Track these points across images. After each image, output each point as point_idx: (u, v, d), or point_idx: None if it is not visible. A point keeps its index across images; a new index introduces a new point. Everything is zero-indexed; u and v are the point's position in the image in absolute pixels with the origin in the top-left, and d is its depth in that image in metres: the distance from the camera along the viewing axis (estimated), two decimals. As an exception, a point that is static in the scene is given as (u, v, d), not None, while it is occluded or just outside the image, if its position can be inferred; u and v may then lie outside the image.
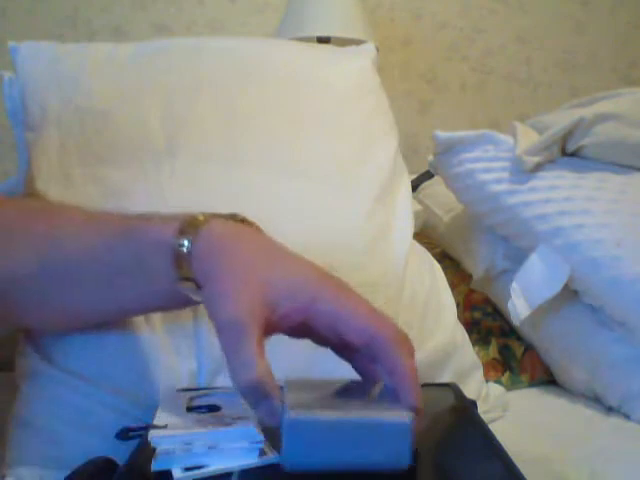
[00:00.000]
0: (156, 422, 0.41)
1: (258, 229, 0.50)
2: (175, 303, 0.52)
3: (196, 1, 1.85)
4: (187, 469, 0.38)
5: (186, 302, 0.49)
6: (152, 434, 0.39)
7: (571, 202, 0.83)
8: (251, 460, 0.39)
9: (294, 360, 0.60)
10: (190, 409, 0.44)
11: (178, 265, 0.45)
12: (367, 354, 0.41)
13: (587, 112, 0.88)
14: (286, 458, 0.37)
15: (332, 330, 0.41)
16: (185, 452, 0.39)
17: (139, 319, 0.59)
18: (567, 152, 0.91)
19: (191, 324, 0.60)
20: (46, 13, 1.75)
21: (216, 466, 0.38)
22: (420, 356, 0.67)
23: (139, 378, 0.58)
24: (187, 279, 0.46)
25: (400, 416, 0.37)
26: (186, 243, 0.45)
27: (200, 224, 0.46)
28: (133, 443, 0.47)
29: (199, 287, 0.45)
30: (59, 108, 0.70)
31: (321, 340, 0.45)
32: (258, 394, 0.39)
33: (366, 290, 0.66)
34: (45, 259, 0.51)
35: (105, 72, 0.74)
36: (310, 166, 0.72)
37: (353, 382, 0.45)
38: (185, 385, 0.58)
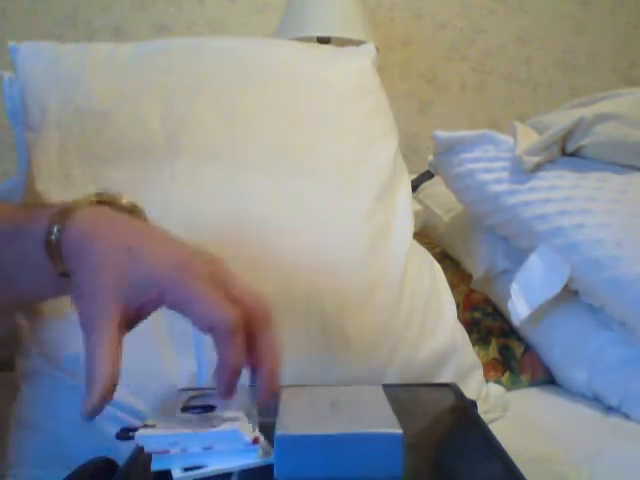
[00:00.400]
0: (147, 421, 0.41)
1: (134, 213, 0.50)
2: (58, 289, 0.51)
3: (196, 1, 1.85)
4: (186, 469, 0.38)
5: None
6: (138, 433, 0.39)
7: (571, 202, 0.83)
8: (250, 460, 0.39)
9: (292, 361, 0.60)
10: (185, 409, 0.44)
11: (51, 255, 0.45)
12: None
13: (587, 112, 0.88)
14: (279, 473, 0.37)
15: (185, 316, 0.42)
16: (183, 452, 0.39)
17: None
18: (567, 152, 0.91)
19: (191, 325, 0.60)
20: (46, 13, 1.75)
21: (214, 466, 0.39)
22: (420, 356, 0.67)
23: (139, 378, 0.58)
24: (62, 270, 0.45)
25: (391, 429, 0.37)
26: (55, 231, 0.44)
27: (68, 212, 0.45)
28: (133, 443, 0.47)
29: None
30: (59, 108, 0.70)
31: None
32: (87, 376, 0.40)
33: (366, 290, 0.67)
34: None
35: (105, 72, 0.74)
36: (310, 166, 0.72)
37: (346, 388, 0.45)
38: (186, 385, 0.58)
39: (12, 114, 0.74)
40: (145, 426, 0.40)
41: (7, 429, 0.59)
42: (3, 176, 1.48)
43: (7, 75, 0.75)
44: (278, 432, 0.36)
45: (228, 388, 0.40)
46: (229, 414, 0.42)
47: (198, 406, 0.44)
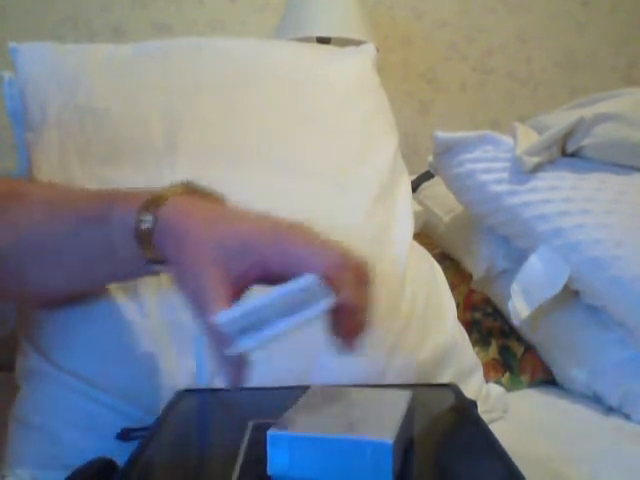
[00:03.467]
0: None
1: (217, 200, 0.51)
2: (147, 274, 0.54)
3: (196, 1, 1.85)
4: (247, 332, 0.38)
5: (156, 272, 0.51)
6: (219, 315, 0.39)
7: (571, 202, 0.83)
8: (312, 311, 0.38)
9: (294, 360, 0.60)
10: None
11: (143, 243, 0.46)
12: None
13: (587, 112, 0.88)
14: (272, 469, 0.37)
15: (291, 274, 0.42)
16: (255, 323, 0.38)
17: (139, 320, 0.59)
18: (567, 152, 0.91)
19: (191, 325, 0.60)
20: (46, 13, 1.74)
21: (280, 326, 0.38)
22: (420, 356, 0.67)
23: (139, 379, 0.58)
24: (153, 256, 0.47)
25: (382, 436, 0.36)
26: (149, 219, 0.46)
27: (161, 202, 0.47)
28: (133, 443, 0.47)
29: (164, 262, 0.47)
30: (59, 108, 0.70)
31: None
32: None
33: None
34: (20, 241, 0.53)
35: (105, 72, 0.74)
36: (310, 166, 0.72)
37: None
38: (186, 385, 0.58)
39: (12, 114, 0.74)
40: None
41: (7, 429, 0.59)
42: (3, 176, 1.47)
43: (7, 75, 0.75)
44: (271, 430, 0.37)
45: (356, 330, 0.41)
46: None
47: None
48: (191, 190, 0.50)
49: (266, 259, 0.42)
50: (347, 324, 0.41)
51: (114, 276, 0.56)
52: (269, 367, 0.56)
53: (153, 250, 0.46)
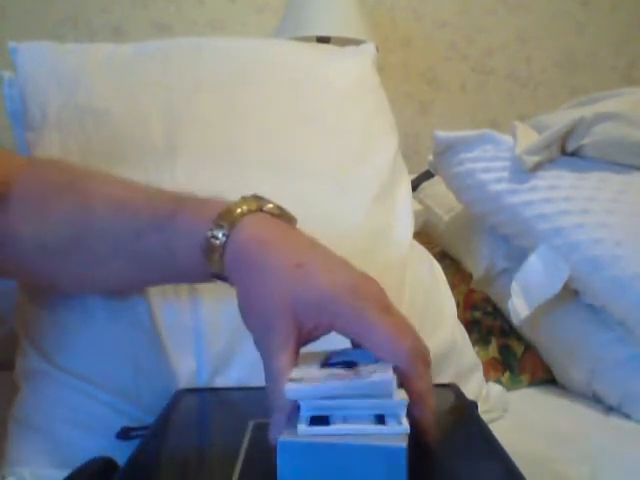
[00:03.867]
0: (292, 376, 0.39)
1: (291, 222, 0.50)
2: (201, 282, 0.53)
3: (196, 1, 1.85)
4: (313, 421, 0.37)
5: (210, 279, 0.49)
6: (288, 387, 0.37)
7: (571, 202, 0.83)
8: (376, 429, 0.37)
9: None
10: (325, 365, 0.42)
11: (209, 257, 0.45)
12: None
13: (587, 112, 0.88)
14: (282, 477, 0.36)
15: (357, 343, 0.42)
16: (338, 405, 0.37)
17: (140, 320, 0.59)
18: (567, 152, 0.91)
19: (191, 325, 0.60)
20: (46, 13, 1.75)
21: (338, 426, 0.36)
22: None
23: (139, 379, 0.58)
24: (219, 272, 0.46)
25: (395, 441, 0.36)
26: (220, 235, 0.45)
27: (236, 218, 0.45)
28: (133, 443, 0.47)
29: (227, 280, 0.46)
30: (59, 108, 0.70)
31: None
32: (276, 403, 0.39)
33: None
34: (76, 236, 0.52)
35: (105, 72, 0.74)
36: (310, 166, 0.72)
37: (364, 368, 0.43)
38: (186, 385, 0.58)
39: (12, 114, 0.74)
40: (291, 380, 0.38)
41: (7, 429, 0.59)
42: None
43: (7, 75, 0.75)
44: (281, 438, 0.36)
45: (428, 422, 0.40)
46: (377, 367, 0.40)
47: (339, 362, 0.42)
48: (263, 205, 0.48)
49: (336, 324, 0.41)
50: (421, 414, 0.40)
51: (167, 280, 0.56)
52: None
53: (219, 265, 0.45)
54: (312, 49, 0.92)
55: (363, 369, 0.39)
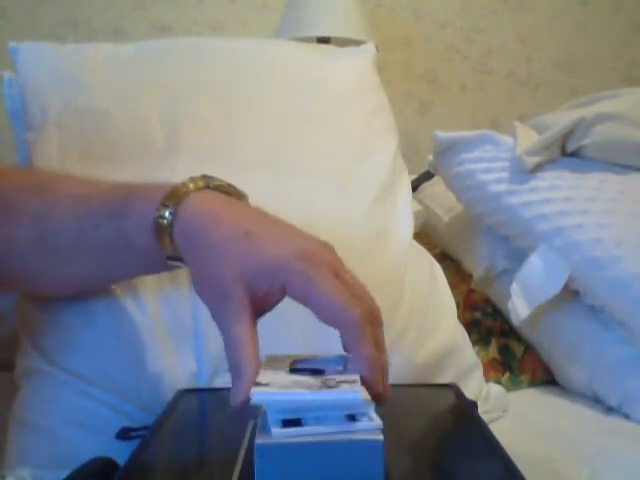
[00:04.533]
0: (259, 379, 0.39)
1: (242, 199, 0.50)
2: (166, 269, 0.53)
3: (196, 1, 1.85)
4: (285, 423, 0.36)
5: (176, 268, 0.50)
6: (254, 391, 0.37)
7: (571, 202, 0.83)
8: (350, 427, 0.36)
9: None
10: (293, 371, 0.42)
11: (160, 238, 0.46)
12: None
13: (587, 112, 0.88)
14: None
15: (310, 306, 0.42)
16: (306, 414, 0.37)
17: (140, 320, 0.59)
18: (567, 152, 0.91)
19: (191, 325, 0.60)
20: (46, 13, 1.75)
21: (313, 427, 0.36)
22: (420, 356, 0.67)
23: (139, 379, 0.58)
24: (172, 253, 0.46)
25: (372, 435, 0.36)
26: (167, 214, 0.45)
27: (181, 196, 0.46)
28: (133, 443, 0.47)
29: (184, 260, 0.46)
30: (59, 108, 0.70)
31: None
32: (235, 371, 0.40)
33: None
34: (41, 234, 0.53)
35: (105, 72, 0.74)
36: (310, 166, 0.72)
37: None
38: (186, 385, 0.58)
39: (12, 114, 0.74)
40: (257, 384, 0.38)
41: (7, 429, 0.59)
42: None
43: (7, 75, 0.75)
44: (257, 441, 0.35)
45: (379, 386, 0.40)
46: (343, 378, 0.40)
47: (306, 369, 0.42)
48: (213, 185, 0.49)
49: (287, 290, 0.41)
50: (370, 376, 0.40)
51: (132, 271, 0.56)
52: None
53: (172, 246, 0.46)
54: (312, 49, 0.91)
55: (330, 378, 0.39)
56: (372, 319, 0.42)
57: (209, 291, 0.43)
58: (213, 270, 0.43)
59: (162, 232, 0.46)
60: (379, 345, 0.42)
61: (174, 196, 0.46)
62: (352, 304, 0.40)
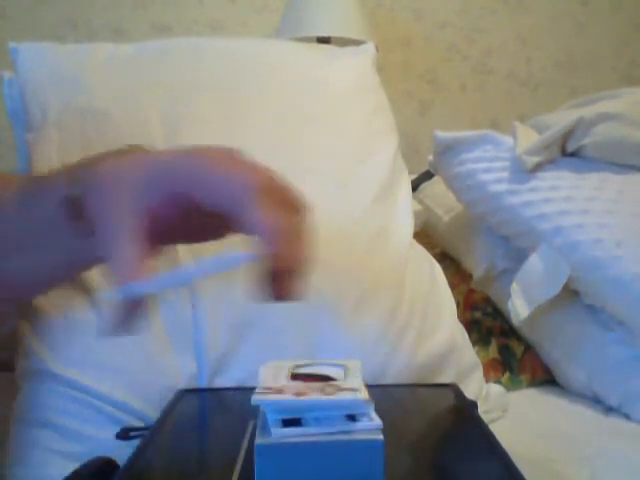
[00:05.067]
0: (262, 384, 0.39)
1: (140, 150, 0.46)
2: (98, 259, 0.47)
3: (196, 1, 1.85)
4: (285, 423, 0.36)
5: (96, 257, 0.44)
6: (255, 397, 0.37)
7: (571, 202, 0.83)
8: (350, 427, 0.36)
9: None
10: (295, 377, 0.41)
11: (72, 212, 0.42)
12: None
13: (587, 112, 0.88)
14: None
15: (201, 203, 0.38)
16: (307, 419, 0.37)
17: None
18: (567, 152, 0.91)
19: (191, 325, 0.60)
20: (46, 13, 1.75)
21: (313, 427, 0.36)
22: (420, 356, 0.67)
23: (139, 379, 0.58)
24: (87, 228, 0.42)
25: (372, 435, 0.36)
26: (75, 185, 0.42)
27: (89, 166, 0.43)
28: (133, 443, 0.47)
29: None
30: (59, 108, 0.70)
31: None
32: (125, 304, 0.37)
33: (366, 290, 0.67)
34: None
35: (105, 72, 0.74)
36: (310, 166, 0.72)
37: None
38: (186, 385, 0.58)
39: (12, 114, 0.74)
40: (257, 392, 0.38)
41: (7, 429, 0.59)
42: (3, 176, 1.47)
43: (7, 75, 0.75)
44: (257, 442, 0.35)
45: (294, 249, 0.36)
46: (345, 384, 0.39)
47: (308, 374, 0.42)
48: (131, 150, 0.45)
49: (185, 192, 0.38)
50: (277, 260, 0.35)
51: (58, 266, 0.48)
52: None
53: (85, 221, 0.41)
54: (312, 49, 0.92)
55: (332, 384, 0.39)
56: (271, 189, 0.38)
57: (99, 227, 0.39)
58: (105, 200, 0.39)
59: (73, 205, 0.41)
60: (289, 208, 0.38)
61: (82, 167, 0.43)
62: (244, 173, 0.37)
